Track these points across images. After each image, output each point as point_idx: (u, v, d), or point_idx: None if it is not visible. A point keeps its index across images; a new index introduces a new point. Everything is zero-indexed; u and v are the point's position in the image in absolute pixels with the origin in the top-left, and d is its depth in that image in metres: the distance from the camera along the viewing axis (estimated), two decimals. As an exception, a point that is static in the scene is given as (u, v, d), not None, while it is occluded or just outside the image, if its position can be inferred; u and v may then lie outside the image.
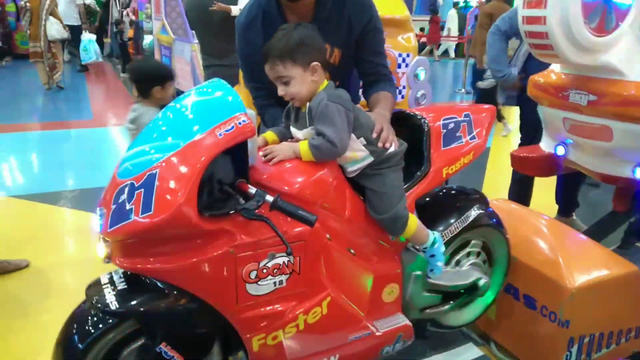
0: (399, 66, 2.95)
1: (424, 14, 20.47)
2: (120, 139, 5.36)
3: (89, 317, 1.41)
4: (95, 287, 1.41)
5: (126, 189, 1.30)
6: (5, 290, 2.57)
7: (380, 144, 1.60)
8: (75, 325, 1.42)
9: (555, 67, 2.38)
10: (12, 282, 2.62)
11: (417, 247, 1.77)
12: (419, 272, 1.80)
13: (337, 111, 1.48)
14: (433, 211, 1.86)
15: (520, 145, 3.24)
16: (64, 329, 1.44)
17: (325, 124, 1.47)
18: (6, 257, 2.70)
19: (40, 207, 3.56)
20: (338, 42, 1.76)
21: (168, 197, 1.23)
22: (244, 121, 1.32)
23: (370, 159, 1.59)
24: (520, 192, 3.20)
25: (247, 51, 1.81)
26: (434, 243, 1.73)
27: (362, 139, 1.58)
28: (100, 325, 1.39)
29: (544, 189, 3.36)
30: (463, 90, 9.54)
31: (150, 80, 2.33)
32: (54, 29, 7.62)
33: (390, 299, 1.76)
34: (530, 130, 3.04)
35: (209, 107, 1.38)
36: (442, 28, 18.54)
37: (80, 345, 1.37)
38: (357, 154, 1.57)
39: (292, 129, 1.60)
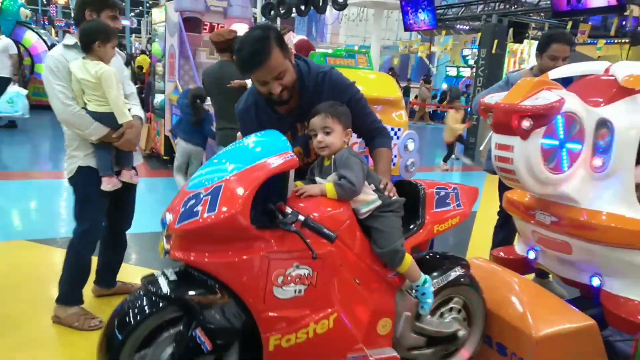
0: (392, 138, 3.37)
1: (418, 81, 21.51)
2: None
3: (138, 303, 1.73)
4: (149, 277, 1.76)
5: (195, 197, 1.71)
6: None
7: (386, 193, 2.03)
8: (125, 308, 1.74)
9: None
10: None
11: (410, 290, 2.10)
12: (409, 313, 2.12)
13: (356, 162, 1.93)
14: (422, 267, 2.17)
15: (496, 226, 3.63)
16: (115, 311, 1.75)
17: (347, 170, 1.90)
18: None
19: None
20: None
21: (229, 203, 1.63)
22: (291, 156, 1.77)
23: (379, 202, 2.00)
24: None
25: (246, 131, 2.16)
26: (425, 282, 2.09)
27: (372, 185, 2.01)
28: (147, 309, 1.70)
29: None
30: (453, 156, 10.04)
31: (92, 36, 2.59)
32: None
33: (384, 332, 2.08)
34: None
35: (266, 144, 1.83)
36: (435, 96, 19.41)
37: (128, 324, 1.68)
38: (369, 197, 1.99)
39: (318, 179, 2.02)
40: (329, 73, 2.14)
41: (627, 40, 11.62)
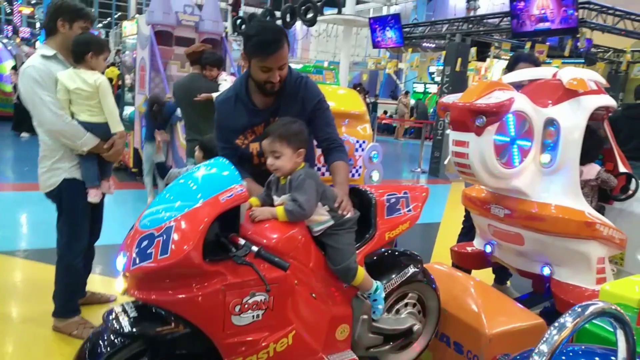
0: (357, 150, 3.54)
1: (386, 97, 21.94)
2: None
3: (104, 339, 1.78)
4: (111, 314, 1.78)
5: (148, 237, 1.72)
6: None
7: (340, 212, 2.08)
8: (91, 345, 1.78)
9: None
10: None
11: (364, 295, 2.20)
12: (365, 316, 2.22)
13: (310, 185, 1.96)
14: (378, 267, 2.33)
15: (460, 234, 3.84)
16: (81, 348, 1.79)
17: (299, 192, 1.94)
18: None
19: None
20: (294, 115, 2.21)
21: (182, 243, 1.65)
22: (240, 190, 1.79)
23: (331, 222, 2.05)
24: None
25: (221, 119, 2.32)
26: (376, 289, 2.19)
27: (326, 206, 2.06)
28: (113, 346, 1.74)
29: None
30: (419, 169, 10.33)
31: (85, 46, 2.65)
32: None
33: (342, 337, 2.17)
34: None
35: (214, 179, 1.84)
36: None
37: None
38: (322, 218, 2.04)
39: (274, 196, 2.07)
40: (305, 78, 2.31)
41: (582, 61, 12.26)
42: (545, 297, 3.17)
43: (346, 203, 2.11)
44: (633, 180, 2.97)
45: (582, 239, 2.56)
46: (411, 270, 2.40)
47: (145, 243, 1.71)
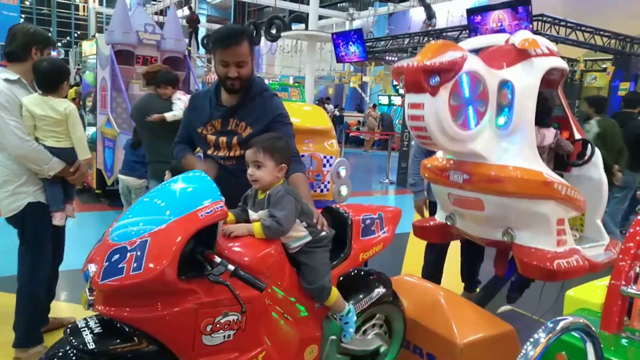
0: (324, 165, 3.56)
1: (352, 110, 22.17)
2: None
3: (62, 357, 1.64)
4: (73, 330, 1.68)
5: (120, 251, 1.64)
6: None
7: (319, 227, 2.10)
8: None
9: (439, 153, 2.99)
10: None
11: (335, 316, 2.19)
12: (334, 337, 2.22)
13: (289, 201, 1.95)
14: (348, 288, 2.30)
15: (427, 245, 3.85)
16: None
17: (278, 208, 1.92)
18: None
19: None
20: (251, 121, 2.32)
21: (156, 260, 1.59)
22: (220, 207, 1.74)
23: (309, 238, 2.06)
24: (433, 270, 3.76)
25: (189, 110, 2.51)
26: (348, 312, 2.18)
27: (304, 223, 2.06)
28: None
29: (453, 271, 3.94)
30: (387, 180, 10.45)
31: (61, 75, 2.73)
32: None
33: (310, 358, 2.15)
34: None
35: (193, 193, 1.78)
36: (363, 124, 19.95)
37: None
38: (300, 234, 2.04)
39: (250, 211, 2.04)
40: (273, 94, 2.45)
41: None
42: (507, 279, 3.22)
43: (322, 220, 2.15)
44: (589, 145, 3.02)
45: (541, 199, 2.56)
46: (380, 291, 2.41)
47: (116, 257, 1.63)
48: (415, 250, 4.94)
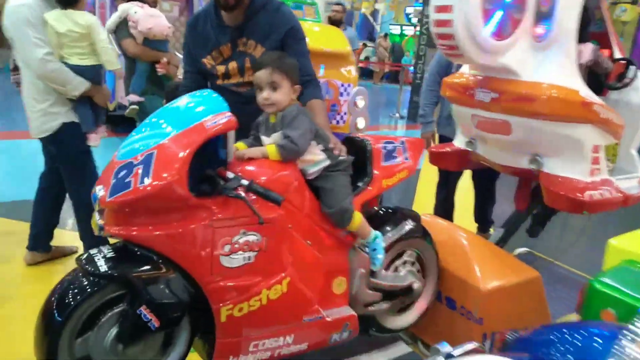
0: (341, 94, 3.28)
1: (363, 39, 21.30)
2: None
3: (76, 283, 1.58)
4: (85, 256, 1.61)
5: (127, 166, 1.56)
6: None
7: (336, 152, 1.95)
8: (63, 288, 1.58)
9: (465, 69, 2.68)
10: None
11: (362, 247, 2.06)
12: (363, 270, 2.08)
13: (303, 121, 1.82)
14: (373, 223, 2.13)
15: (438, 184, 3.65)
16: (51, 292, 1.60)
17: (293, 128, 1.79)
18: None
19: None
20: (261, 38, 2.10)
21: (164, 171, 1.51)
22: (227, 117, 1.65)
23: (327, 162, 1.92)
24: (444, 209, 3.58)
25: (188, 38, 2.22)
26: (375, 238, 2.05)
27: (320, 145, 1.91)
28: (87, 289, 1.55)
29: (466, 209, 3.78)
30: (397, 114, 10.13)
31: None
32: None
33: (339, 291, 2.03)
34: None
35: (199, 105, 1.69)
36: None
37: (67, 305, 1.53)
38: (317, 157, 1.90)
39: (262, 137, 1.90)
40: (280, 3, 2.16)
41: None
42: (529, 213, 3.03)
43: (340, 144, 2.01)
44: (632, 67, 2.68)
45: (577, 122, 2.29)
46: (408, 225, 2.25)
47: (123, 173, 1.56)
48: (426, 189, 4.78)
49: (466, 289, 2.29)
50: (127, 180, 1.53)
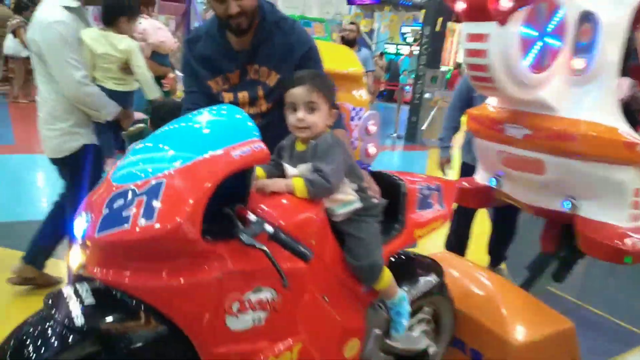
0: (352, 119, 3.07)
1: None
2: (47, 168, 4.98)
3: (41, 332, 1.24)
4: (57, 298, 1.27)
5: (125, 194, 1.22)
6: None
7: (370, 192, 1.69)
8: (25, 341, 1.23)
9: (492, 101, 2.49)
10: None
11: (383, 305, 1.80)
12: (378, 331, 1.82)
13: (339, 153, 1.55)
14: (395, 275, 1.85)
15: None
16: (9, 343, 1.24)
17: (325, 161, 1.52)
18: None
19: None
20: (275, 65, 1.85)
21: (174, 209, 1.18)
22: (259, 146, 1.33)
23: (359, 204, 1.65)
24: (457, 240, 3.34)
25: (189, 58, 1.91)
26: (401, 299, 1.79)
27: (354, 184, 1.65)
28: (56, 343, 1.21)
29: (477, 242, 3.55)
30: (395, 134, 9.97)
31: (121, 10, 2.48)
32: None
33: (351, 355, 1.76)
34: None
35: (226, 127, 1.37)
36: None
37: None
38: (348, 197, 1.63)
39: (287, 166, 1.62)
40: (292, 21, 1.92)
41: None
42: (553, 259, 2.82)
43: (375, 185, 1.77)
44: None
45: (618, 163, 2.13)
46: (432, 280, 2.00)
47: (120, 202, 1.22)
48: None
49: (495, 341, 2.06)
50: (124, 214, 1.20)
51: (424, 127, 9.03)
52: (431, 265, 2.08)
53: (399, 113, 10.07)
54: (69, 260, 1.33)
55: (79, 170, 2.50)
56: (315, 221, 1.53)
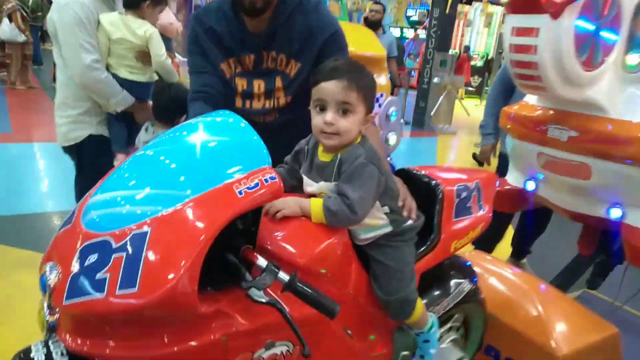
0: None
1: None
2: (46, 157, 4.80)
3: None
4: (25, 356, 1.04)
5: (99, 247, 0.97)
6: None
7: (405, 213, 1.43)
8: None
9: (531, 99, 2.30)
10: None
11: (410, 329, 1.58)
12: (407, 353, 1.61)
13: (372, 176, 1.26)
14: (425, 284, 1.63)
15: None
16: None
17: (353, 185, 1.23)
18: None
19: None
20: (295, 53, 1.60)
21: (163, 269, 0.92)
22: (271, 178, 1.04)
23: (389, 229, 1.38)
24: (487, 241, 3.13)
25: (200, 37, 1.64)
26: (431, 327, 1.56)
27: (386, 207, 1.37)
28: None
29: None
30: (402, 120, 9.73)
31: None
32: None
33: None
34: None
35: (225, 150, 1.07)
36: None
37: None
38: (377, 222, 1.36)
39: (306, 179, 1.35)
40: (318, 1, 1.65)
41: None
42: (590, 262, 2.69)
43: (411, 201, 1.47)
44: None
45: None
46: (466, 286, 1.76)
47: (92, 259, 0.97)
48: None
49: (535, 351, 1.88)
50: (98, 276, 0.94)
51: (432, 113, 8.80)
52: (464, 269, 1.84)
53: (406, 98, 9.82)
54: (41, 313, 1.06)
55: (83, 162, 2.37)
56: (335, 248, 1.27)
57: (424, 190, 1.62)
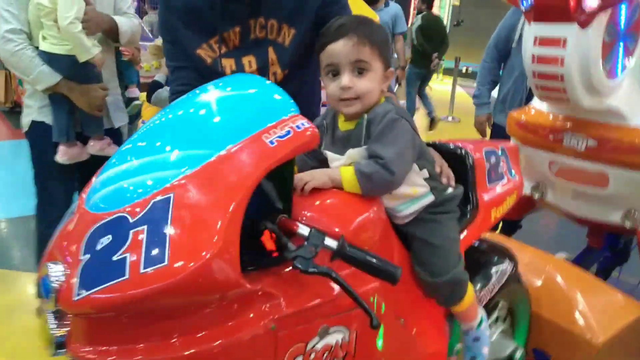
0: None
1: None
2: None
3: None
4: None
5: (113, 226, 0.82)
6: None
7: (444, 179, 1.30)
8: None
9: (540, 105, 2.19)
10: None
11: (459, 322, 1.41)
12: (459, 346, 1.46)
13: (405, 131, 1.12)
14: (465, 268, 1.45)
15: None
16: None
17: (386, 144, 1.09)
18: None
19: None
20: (287, 16, 1.41)
21: (196, 236, 0.79)
22: (302, 124, 0.93)
23: (432, 198, 1.23)
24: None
25: (171, 19, 1.42)
26: (480, 322, 1.39)
27: (424, 170, 1.22)
28: None
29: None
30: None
31: None
32: None
33: None
34: None
35: (248, 103, 0.98)
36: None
37: None
38: (417, 190, 1.20)
39: (329, 154, 1.20)
40: None
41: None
42: (601, 254, 2.63)
43: (447, 168, 1.34)
44: None
45: None
46: (507, 269, 1.62)
47: (105, 241, 0.81)
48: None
49: (569, 341, 1.76)
50: (116, 257, 0.79)
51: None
52: (503, 250, 1.71)
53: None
54: (45, 328, 0.87)
55: (32, 154, 2.10)
56: (374, 223, 1.11)
57: (452, 160, 1.46)
